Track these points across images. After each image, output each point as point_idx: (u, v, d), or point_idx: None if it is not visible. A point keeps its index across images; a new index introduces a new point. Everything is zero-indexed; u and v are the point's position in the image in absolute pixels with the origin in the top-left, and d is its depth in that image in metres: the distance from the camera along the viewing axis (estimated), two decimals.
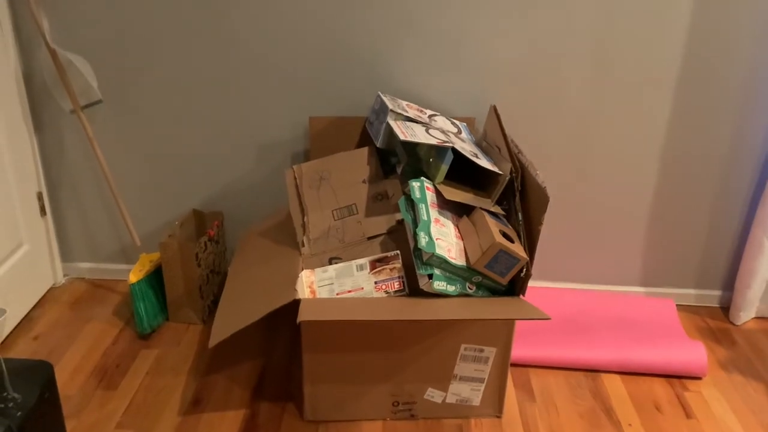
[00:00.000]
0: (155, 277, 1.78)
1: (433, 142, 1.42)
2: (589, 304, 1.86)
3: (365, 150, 1.59)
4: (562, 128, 1.76)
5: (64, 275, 2.01)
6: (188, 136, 1.83)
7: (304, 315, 1.20)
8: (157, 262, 1.78)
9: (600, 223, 1.87)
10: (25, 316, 1.82)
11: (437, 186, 1.43)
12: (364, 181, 1.55)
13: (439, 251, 1.30)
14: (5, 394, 1.07)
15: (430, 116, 1.65)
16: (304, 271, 1.41)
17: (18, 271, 1.77)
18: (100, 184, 1.88)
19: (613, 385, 1.61)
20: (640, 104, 1.73)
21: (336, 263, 1.47)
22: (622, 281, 1.94)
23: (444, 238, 1.34)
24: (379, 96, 1.62)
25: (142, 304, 1.72)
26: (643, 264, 1.92)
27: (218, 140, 1.83)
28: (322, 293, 1.39)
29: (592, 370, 1.65)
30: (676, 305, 1.89)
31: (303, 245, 1.53)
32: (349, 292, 1.38)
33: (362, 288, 1.38)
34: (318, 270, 1.41)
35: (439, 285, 1.32)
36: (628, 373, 1.65)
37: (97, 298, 1.92)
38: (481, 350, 1.40)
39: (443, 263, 1.32)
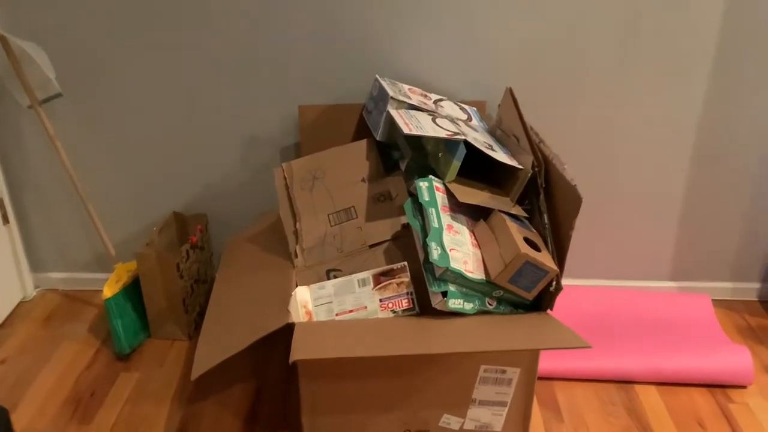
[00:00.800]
0: (134, 290, 1.60)
1: (442, 134, 1.23)
2: (617, 303, 1.68)
3: (363, 143, 1.39)
4: (586, 113, 1.57)
5: (35, 287, 1.82)
6: (164, 131, 1.63)
7: (298, 351, 1.02)
8: (135, 272, 1.59)
9: (626, 214, 1.69)
10: None
11: (448, 186, 1.23)
12: (363, 180, 1.36)
13: (454, 265, 1.11)
14: None
15: (435, 102, 1.45)
16: (299, 288, 1.23)
17: None
18: (68, 187, 1.68)
19: (649, 398, 1.44)
20: (671, 88, 1.53)
21: (334, 276, 1.29)
22: (651, 276, 1.76)
23: (459, 247, 1.15)
24: (377, 80, 1.42)
25: (120, 320, 1.54)
26: (675, 256, 1.73)
27: (199, 135, 1.63)
28: (320, 314, 1.21)
29: (625, 381, 1.48)
30: (711, 300, 1.72)
31: (296, 256, 1.34)
32: (351, 312, 1.20)
33: (365, 307, 1.20)
34: (314, 286, 1.23)
35: (455, 303, 1.14)
36: (665, 383, 1.48)
37: (72, 312, 1.74)
38: (504, 371, 1.22)
39: (459, 278, 1.13)
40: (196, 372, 1.18)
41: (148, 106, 1.60)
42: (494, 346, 1.05)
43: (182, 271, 1.55)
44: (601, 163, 1.63)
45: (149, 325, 1.61)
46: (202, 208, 1.71)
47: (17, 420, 1.37)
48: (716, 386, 1.47)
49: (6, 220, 1.69)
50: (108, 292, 1.54)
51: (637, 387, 1.47)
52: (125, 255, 1.72)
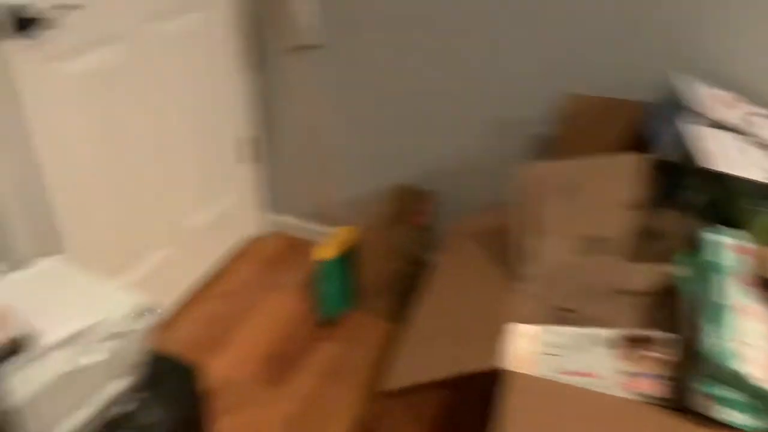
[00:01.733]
0: (349, 258, 1.53)
1: (760, 178, 0.89)
2: None
3: (637, 158, 1.09)
4: None
5: (270, 227, 1.86)
6: (412, 97, 1.48)
7: None
8: (352, 241, 1.52)
9: None
10: (221, 268, 1.70)
11: (758, 250, 0.90)
12: (628, 206, 1.08)
13: (738, 366, 0.81)
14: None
15: (749, 116, 1.08)
16: (527, 326, 1.02)
17: (221, 220, 1.66)
18: (313, 138, 1.63)
19: None
20: None
21: (569, 319, 1.05)
22: None
23: (750, 340, 0.84)
24: (672, 77, 1.10)
25: (329, 285, 1.49)
26: None
27: (444, 105, 1.46)
28: (542, 365, 0.99)
29: None
30: None
31: (522, 279, 1.12)
32: (577, 374, 0.96)
33: (596, 374, 0.95)
34: (550, 329, 1.01)
35: (727, 414, 0.84)
36: None
37: (292, 260, 1.75)
38: None
39: (741, 383, 0.83)
40: (391, 385, 1.06)
41: (399, 72, 1.46)
42: None
43: (400, 252, 1.43)
44: None
45: (356, 297, 1.55)
46: (431, 184, 1.56)
47: (218, 365, 1.40)
48: None
49: (251, 159, 1.72)
50: (323, 253, 1.49)
51: None
52: (350, 217, 1.65)
